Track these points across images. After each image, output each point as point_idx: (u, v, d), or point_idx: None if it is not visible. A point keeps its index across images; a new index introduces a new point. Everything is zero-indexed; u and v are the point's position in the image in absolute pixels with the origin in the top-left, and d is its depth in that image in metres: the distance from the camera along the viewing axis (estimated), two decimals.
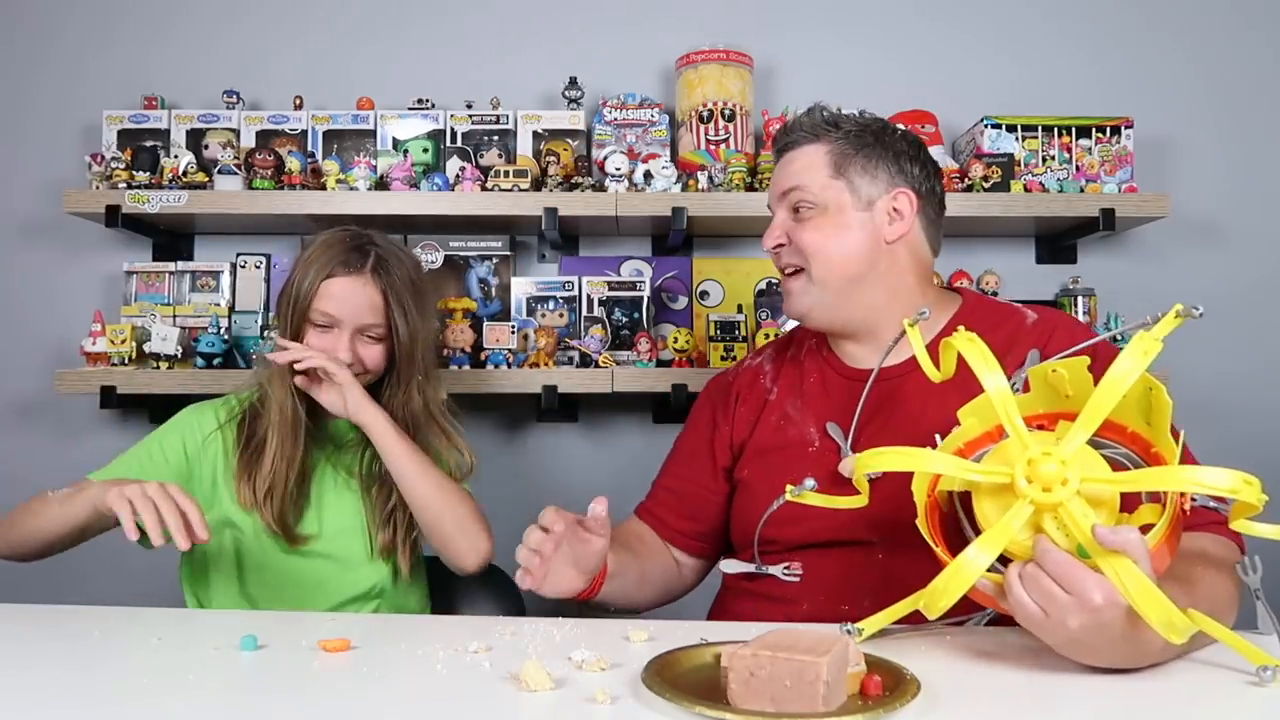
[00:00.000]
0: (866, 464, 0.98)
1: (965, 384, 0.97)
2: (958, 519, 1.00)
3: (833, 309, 1.28)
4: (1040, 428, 0.98)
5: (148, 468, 1.44)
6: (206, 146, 2.01)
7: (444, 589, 1.60)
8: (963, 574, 0.87)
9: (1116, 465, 0.92)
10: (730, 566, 1.30)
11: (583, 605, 1.22)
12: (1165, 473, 0.87)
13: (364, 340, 1.47)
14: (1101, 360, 0.93)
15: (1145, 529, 0.88)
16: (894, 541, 1.09)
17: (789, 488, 1.10)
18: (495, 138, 2.04)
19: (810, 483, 1.09)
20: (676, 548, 1.40)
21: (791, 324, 1.97)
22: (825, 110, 1.32)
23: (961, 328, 1.01)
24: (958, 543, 0.93)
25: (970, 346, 0.97)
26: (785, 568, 1.25)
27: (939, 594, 0.88)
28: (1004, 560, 0.90)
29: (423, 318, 1.53)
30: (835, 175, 1.27)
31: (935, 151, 1.65)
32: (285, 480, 1.44)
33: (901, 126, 1.37)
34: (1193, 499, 1.02)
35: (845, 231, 1.26)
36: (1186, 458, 1.13)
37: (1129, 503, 0.94)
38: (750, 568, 1.27)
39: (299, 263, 1.49)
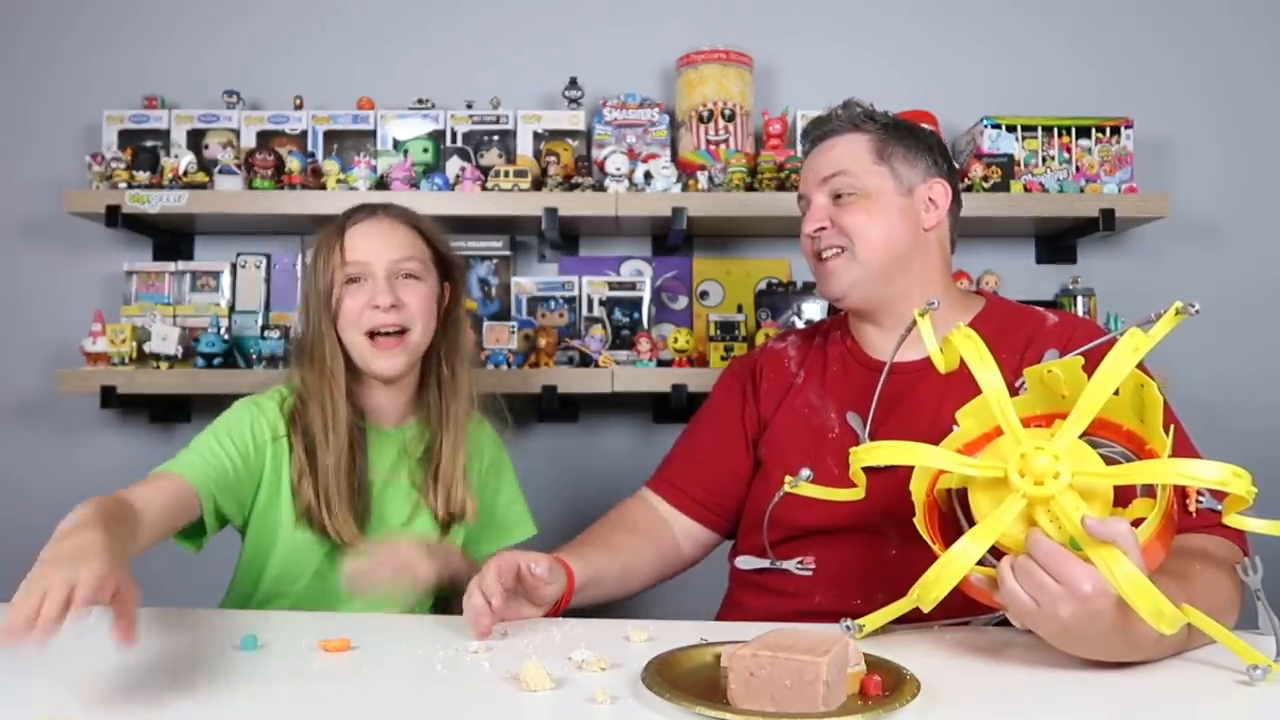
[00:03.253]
0: (862, 458, 0.99)
1: None
2: (956, 519, 1.00)
3: (870, 288, 1.30)
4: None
5: (208, 466, 1.31)
6: (207, 146, 2.02)
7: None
8: (954, 565, 0.88)
9: (1113, 463, 0.92)
10: (745, 563, 1.30)
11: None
12: (1156, 465, 0.88)
13: (402, 281, 1.37)
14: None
15: (1138, 524, 0.88)
16: (907, 534, 1.10)
17: (787, 479, 1.10)
18: (495, 138, 2.04)
19: (805, 473, 1.10)
20: (689, 516, 1.39)
21: (799, 324, 1.98)
22: (860, 105, 1.36)
23: (961, 323, 1.02)
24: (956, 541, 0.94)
25: (968, 344, 0.97)
26: (799, 562, 1.25)
27: (931, 585, 0.89)
28: (1000, 557, 0.90)
29: (461, 270, 1.47)
30: (878, 161, 1.31)
31: None
32: (341, 492, 1.34)
33: (928, 127, 1.41)
34: (1198, 500, 1.03)
35: (887, 215, 1.29)
36: (1188, 450, 1.13)
37: (1124, 499, 0.95)
38: (765, 563, 1.27)
39: (310, 262, 1.41)
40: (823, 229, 1.31)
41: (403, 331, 1.37)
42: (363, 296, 1.35)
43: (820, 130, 1.36)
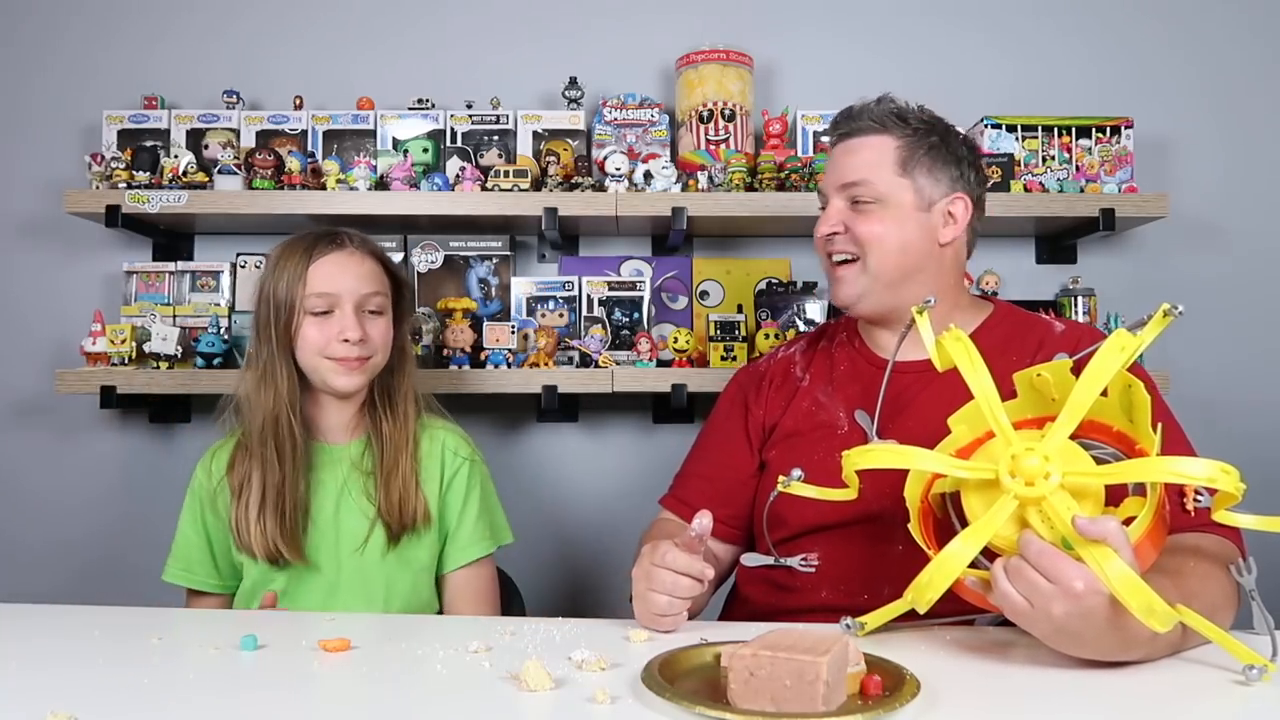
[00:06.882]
0: (855, 461, 0.99)
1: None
2: (951, 524, 1.01)
3: (880, 299, 1.29)
4: None
5: (195, 555, 1.45)
6: (206, 146, 2.01)
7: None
8: (948, 566, 0.88)
9: (1103, 464, 0.92)
10: (751, 560, 1.30)
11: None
12: (1145, 464, 0.88)
13: (368, 316, 1.42)
14: None
15: (1130, 522, 0.89)
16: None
17: (780, 479, 1.10)
18: (495, 138, 2.04)
19: (797, 473, 1.10)
20: (712, 536, 1.38)
21: (800, 324, 1.98)
22: (894, 103, 1.33)
23: (953, 325, 1.02)
24: None
25: (958, 346, 0.98)
26: (803, 558, 1.25)
27: (925, 587, 0.89)
28: (994, 561, 0.91)
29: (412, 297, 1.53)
30: (901, 173, 1.28)
31: None
32: (285, 511, 1.38)
33: (962, 130, 1.38)
34: (1196, 499, 1.03)
35: (903, 228, 1.28)
36: (1182, 447, 1.13)
37: (1116, 498, 0.95)
38: (769, 561, 1.27)
39: (265, 278, 1.43)
40: (836, 234, 1.30)
41: (366, 357, 1.42)
42: (331, 328, 1.39)
43: (847, 126, 1.32)
